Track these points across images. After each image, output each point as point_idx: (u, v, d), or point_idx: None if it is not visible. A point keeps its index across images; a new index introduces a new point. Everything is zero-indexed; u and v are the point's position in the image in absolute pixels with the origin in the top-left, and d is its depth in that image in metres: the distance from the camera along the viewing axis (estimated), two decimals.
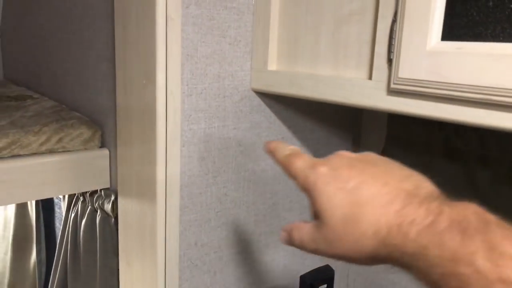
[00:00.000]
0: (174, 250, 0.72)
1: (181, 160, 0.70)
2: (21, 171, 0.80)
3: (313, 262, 0.96)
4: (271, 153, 0.47)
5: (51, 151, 0.84)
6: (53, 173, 0.83)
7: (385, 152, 0.84)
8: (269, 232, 0.86)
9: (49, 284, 1.14)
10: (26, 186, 0.80)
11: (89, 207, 0.95)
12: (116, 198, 0.84)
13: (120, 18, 0.72)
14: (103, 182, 0.89)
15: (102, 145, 0.91)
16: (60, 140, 0.85)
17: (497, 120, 0.47)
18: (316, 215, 0.40)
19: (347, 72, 0.62)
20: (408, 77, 0.52)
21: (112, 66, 0.78)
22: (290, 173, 0.43)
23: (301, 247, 0.41)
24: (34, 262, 1.39)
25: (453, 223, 0.31)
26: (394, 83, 0.54)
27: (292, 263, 0.92)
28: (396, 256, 0.34)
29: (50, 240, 1.40)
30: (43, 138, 0.82)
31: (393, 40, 0.54)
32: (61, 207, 1.17)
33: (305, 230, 0.40)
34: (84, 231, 0.97)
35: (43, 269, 1.38)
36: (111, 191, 0.89)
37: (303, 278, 0.95)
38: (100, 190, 0.91)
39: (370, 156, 0.42)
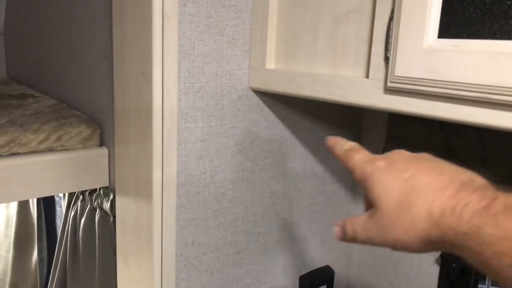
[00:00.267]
0: (170, 249, 0.71)
1: (178, 159, 0.70)
2: (20, 169, 0.80)
3: (313, 263, 0.96)
4: (331, 147, 0.48)
5: (50, 150, 0.84)
6: (52, 172, 0.83)
7: (385, 151, 0.83)
8: (267, 232, 0.85)
9: (49, 283, 1.14)
10: (25, 184, 0.80)
11: (88, 205, 0.95)
12: (115, 197, 0.84)
13: (118, 16, 0.72)
14: (102, 181, 0.89)
15: (102, 144, 0.91)
16: (59, 138, 0.85)
17: (494, 119, 0.46)
18: (370, 205, 0.41)
19: (345, 71, 0.62)
20: (405, 75, 0.51)
21: (111, 65, 0.78)
22: (348, 166, 0.44)
23: (354, 238, 0.42)
24: (36, 261, 1.40)
25: (508, 207, 0.32)
26: (390, 82, 0.53)
27: (291, 264, 0.91)
28: (449, 237, 0.34)
29: (51, 239, 1.40)
30: (42, 136, 0.82)
31: (390, 38, 0.53)
32: (62, 205, 1.17)
33: (357, 221, 0.42)
34: (83, 229, 0.97)
35: (45, 268, 1.38)
36: (110, 190, 0.89)
37: (302, 278, 0.95)
38: (99, 188, 0.91)
39: (426, 155, 0.43)
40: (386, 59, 0.54)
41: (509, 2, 0.43)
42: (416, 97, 0.52)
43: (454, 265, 0.80)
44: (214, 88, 0.71)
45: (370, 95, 0.57)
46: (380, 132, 0.92)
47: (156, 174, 0.67)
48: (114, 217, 0.86)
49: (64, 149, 0.86)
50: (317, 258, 0.97)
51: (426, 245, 0.37)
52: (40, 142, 0.82)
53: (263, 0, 0.70)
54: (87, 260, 0.97)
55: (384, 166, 0.40)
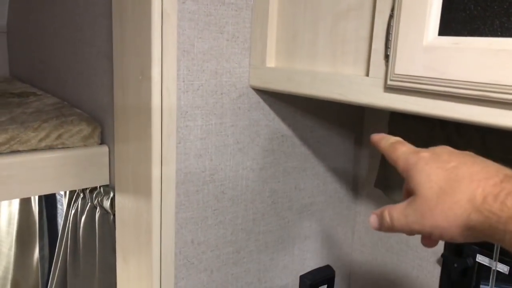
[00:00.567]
0: (169, 248, 0.71)
1: (177, 157, 0.69)
2: (21, 167, 0.80)
3: (313, 262, 0.95)
4: (377, 142, 0.49)
5: (50, 148, 0.84)
6: (53, 170, 0.83)
7: None
8: (267, 231, 0.85)
9: (49, 280, 1.14)
10: (25, 182, 0.81)
11: (89, 203, 0.95)
12: (115, 195, 0.84)
13: (117, 14, 0.72)
14: (102, 179, 0.89)
15: (102, 142, 0.91)
16: (59, 136, 0.85)
17: (495, 118, 0.45)
18: (409, 195, 0.41)
19: (345, 69, 0.61)
20: (404, 73, 0.51)
21: (112, 63, 0.78)
22: (392, 158, 0.45)
23: (391, 225, 0.42)
24: (37, 258, 1.40)
25: None
26: (390, 80, 0.52)
27: (291, 263, 0.91)
28: (491, 222, 0.34)
29: (53, 237, 1.40)
30: (42, 134, 0.82)
31: (390, 35, 0.52)
32: (63, 203, 1.18)
33: (395, 208, 0.42)
34: (83, 227, 0.97)
35: (46, 265, 1.39)
36: (110, 188, 0.89)
37: (303, 278, 0.94)
38: (100, 187, 0.91)
39: (469, 152, 0.43)
40: (386, 57, 0.54)
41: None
42: (416, 95, 0.51)
43: (455, 265, 0.80)
44: (213, 86, 0.71)
45: (370, 93, 0.56)
46: (381, 131, 0.91)
47: (155, 172, 0.67)
48: (114, 215, 0.86)
49: (65, 147, 0.86)
50: (318, 258, 0.96)
51: (465, 231, 0.37)
52: (41, 140, 0.82)
53: None
54: (87, 258, 0.97)
55: (428, 156, 0.41)
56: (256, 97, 0.77)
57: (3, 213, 1.56)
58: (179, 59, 0.66)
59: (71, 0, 1.02)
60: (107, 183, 0.90)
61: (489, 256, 0.76)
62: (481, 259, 0.77)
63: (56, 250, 1.11)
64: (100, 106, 0.92)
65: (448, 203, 0.37)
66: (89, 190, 0.94)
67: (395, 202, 0.84)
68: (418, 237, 0.44)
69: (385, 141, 0.47)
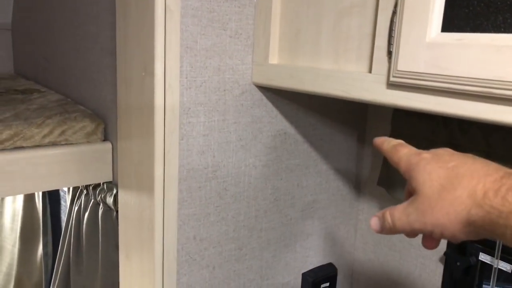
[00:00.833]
0: (172, 244, 0.71)
1: (180, 154, 0.69)
2: (24, 163, 0.80)
3: (316, 260, 0.95)
4: (379, 145, 0.49)
5: (54, 144, 0.84)
6: (56, 166, 0.83)
7: None
8: (270, 228, 0.85)
9: (53, 276, 1.15)
10: (29, 178, 0.81)
11: (92, 200, 0.96)
12: (118, 192, 0.84)
13: (121, 11, 0.72)
14: (105, 176, 0.90)
15: (105, 139, 0.91)
16: (63, 132, 0.85)
17: (498, 114, 0.45)
18: (412, 194, 0.41)
19: (348, 66, 0.61)
20: (407, 70, 0.50)
21: (115, 60, 0.78)
22: (394, 159, 0.45)
23: (392, 225, 0.42)
24: (41, 255, 1.41)
25: None
26: (393, 76, 0.52)
27: (294, 260, 0.91)
28: (491, 217, 0.34)
29: (56, 233, 1.41)
30: (46, 130, 0.83)
31: (393, 32, 0.52)
32: (66, 200, 1.18)
33: (397, 209, 0.42)
34: (87, 224, 0.97)
35: (50, 262, 1.39)
36: (113, 185, 0.89)
37: (305, 275, 0.94)
38: (103, 183, 0.91)
39: (470, 154, 0.43)
40: (389, 53, 0.53)
41: None
42: (419, 92, 0.51)
43: (458, 263, 0.79)
44: (216, 83, 0.71)
45: (373, 90, 0.56)
46: (384, 129, 0.91)
47: (158, 168, 0.67)
48: (117, 211, 0.86)
49: (68, 143, 0.86)
50: (320, 256, 0.96)
51: (466, 227, 0.37)
52: (44, 136, 0.83)
53: None
54: (90, 254, 0.97)
55: (430, 157, 0.41)
56: (259, 94, 0.77)
57: (7, 209, 1.57)
58: (182, 55, 0.66)
59: None
60: (110, 179, 0.90)
61: (492, 254, 0.75)
62: (484, 257, 0.77)
63: (60, 246, 1.11)
64: (103, 102, 0.92)
65: (448, 199, 0.37)
66: (92, 187, 0.94)
67: (397, 200, 0.84)
68: (420, 236, 0.44)
69: (387, 143, 0.48)
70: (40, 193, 1.38)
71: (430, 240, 0.44)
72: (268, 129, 0.80)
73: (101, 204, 0.92)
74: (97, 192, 0.92)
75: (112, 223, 0.90)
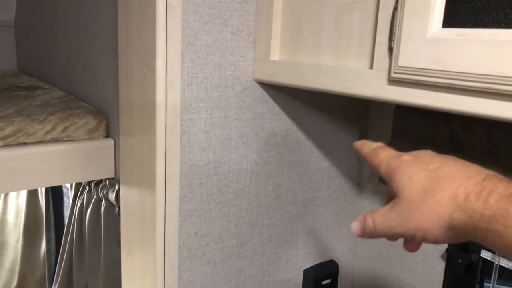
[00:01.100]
0: (173, 240, 0.71)
1: (181, 150, 0.70)
2: (27, 159, 0.81)
3: (317, 257, 0.96)
4: (359, 148, 0.49)
5: (56, 140, 0.85)
6: (58, 162, 0.84)
7: (391, 145, 0.82)
8: (271, 224, 0.85)
9: (56, 272, 1.15)
10: (31, 173, 0.81)
11: (95, 196, 0.96)
12: (120, 188, 0.85)
13: (122, 7, 0.72)
14: (107, 172, 0.90)
15: (108, 135, 0.92)
16: (65, 129, 0.85)
17: (499, 110, 0.45)
18: (392, 197, 0.41)
19: (349, 62, 0.61)
20: (408, 66, 0.50)
21: (117, 57, 0.79)
22: (374, 163, 0.45)
23: (374, 229, 0.42)
24: (44, 251, 1.42)
25: None
26: (394, 72, 0.52)
27: (295, 257, 0.91)
28: (473, 220, 0.34)
29: (59, 230, 1.42)
30: (48, 126, 0.83)
31: (394, 28, 0.52)
32: (69, 196, 1.19)
33: (378, 212, 0.42)
34: (89, 220, 0.98)
35: (53, 258, 1.40)
36: (115, 181, 0.89)
37: (306, 272, 0.95)
38: (105, 179, 0.92)
39: (451, 156, 0.43)
40: (390, 49, 0.53)
41: None
42: (420, 88, 0.51)
43: (459, 260, 0.79)
44: (218, 79, 0.71)
45: (374, 86, 0.56)
46: (386, 126, 0.91)
47: (159, 164, 0.68)
48: (119, 207, 0.86)
49: (71, 139, 0.86)
50: (322, 252, 0.96)
51: (448, 231, 0.36)
52: (47, 133, 0.83)
53: None
54: (92, 250, 0.98)
55: (410, 159, 0.41)
56: (260, 91, 0.77)
57: (11, 206, 1.58)
58: (183, 51, 0.66)
59: None
60: (112, 176, 0.91)
61: (494, 251, 0.75)
62: (485, 254, 0.77)
63: (62, 242, 1.12)
64: (105, 99, 0.93)
65: (430, 203, 0.37)
66: (95, 183, 0.95)
67: None
68: None
69: (367, 147, 0.48)
70: (43, 190, 1.39)
71: (411, 243, 0.44)
72: (269, 125, 0.80)
73: (103, 200, 0.93)
74: (100, 188, 0.93)
75: (114, 219, 0.90)
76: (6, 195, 1.60)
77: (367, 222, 0.42)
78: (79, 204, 1.03)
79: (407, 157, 0.42)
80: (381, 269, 1.00)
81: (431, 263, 0.89)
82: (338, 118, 0.91)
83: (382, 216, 0.41)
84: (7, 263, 1.59)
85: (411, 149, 0.81)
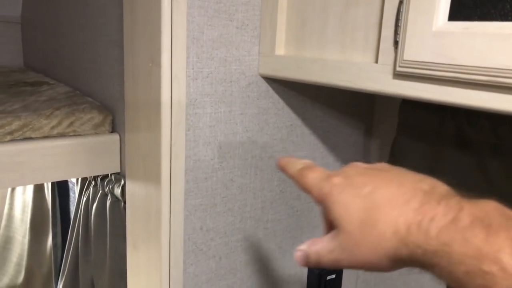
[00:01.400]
0: (178, 234, 0.72)
1: (186, 144, 0.70)
2: (33, 153, 0.81)
3: None
4: (283, 167, 0.47)
5: (62, 135, 0.85)
6: (64, 157, 0.85)
7: (397, 141, 0.82)
8: (276, 219, 0.85)
9: (62, 267, 1.16)
10: (38, 168, 0.82)
11: (100, 191, 0.97)
12: (126, 183, 0.85)
13: (128, 1, 0.72)
14: (113, 167, 0.91)
15: (113, 130, 0.92)
16: (71, 124, 0.86)
17: (505, 104, 0.45)
18: (331, 226, 0.39)
19: (354, 56, 0.61)
20: (413, 59, 0.50)
21: (123, 52, 0.79)
22: (304, 186, 0.43)
23: (318, 262, 0.40)
24: (50, 246, 1.43)
25: (476, 219, 0.31)
26: (399, 66, 0.52)
27: None
28: (418, 255, 0.33)
29: (65, 225, 1.43)
30: (54, 121, 0.84)
31: (400, 21, 0.52)
32: (75, 191, 1.19)
33: (320, 244, 0.40)
34: (95, 215, 0.98)
35: (59, 253, 1.41)
36: (121, 176, 0.90)
37: (311, 267, 0.95)
38: (111, 174, 0.92)
39: (383, 165, 0.42)
40: (395, 43, 0.53)
41: None
42: (425, 82, 0.51)
43: None
44: (223, 74, 0.71)
45: (379, 80, 0.56)
46: (391, 121, 0.91)
47: (165, 159, 0.68)
48: (125, 202, 0.87)
49: (76, 134, 0.87)
50: None
51: (396, 263, 0.35)
52: (53, 127, 0.84)
53: None
54: (98, 244, 0.98)
55: (341, 182, 0.39)
56: (265, 86, 0.77)
57: (18, 201, 1.59)
58: (188, 46, 0.66)
59: None
60: (118, 170, 0.91)
61: None
62: None
63: (68, 237, 1.13)
64: (111, 94, 0.93)
65: (373, 236, 0.35)
66: (101, 178, 0.95)
67: None
68: None
69: (292, 166, 0.45)
70: (50, 185, 1.40)
71: None
72: (274, 120, 0.80)
73: (109, 195, 0.93)
74: (105, 183, 0.93)
75: (120, 214, 0.91)
76: (12, 191, 1.62)
77: (310, 256, 0.40)
78: (85, 199, 1.03)
79: (337, 179, 0.39)
80: None
81: None
82: (343, 114, 0.91)
83: (325, 250, 0.39)
84: (14, 258, 1.60)
85: (416, 145, 0.81)
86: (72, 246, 1.09)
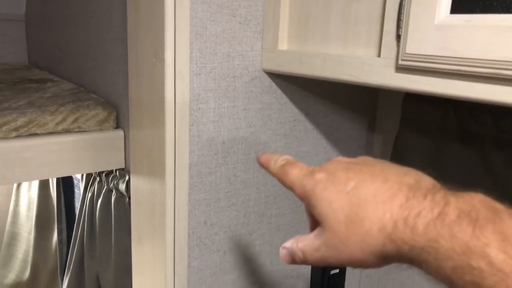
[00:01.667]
0: (183, 229, 0.72)
1: (190, 139, 0.70)
2: (38, 149, 0.82)
3: None
4: (264, 165, 0.46)
5: (67, 131, 0.86)
6: (69, 152, 0.85)
7: (400, 136, 0.82)
8: (280, 214, 0.86)
9: (67, 263, 1.17)
10: (43, 164, 0.83)
11: (105, 187, 0.97)
12: (130, 178, 0.86)
13: None
14: (118, 163, 0.91)
15: (118, 126, 0.93)
16: (75, 120, 0.86)
17: (507, 96, 0.45)
18: (314, 223, 0.39)
19: (357, 50, 0.61)
20: (416, 53, 0.50)
21: (127, 48, 0.79)
22: (286, 183, 0.42)
23: (304, 260, 0.39)
24: (56, 242, 1.44)
25: (462, 213, 0.30)
26: (402, 60, 0.52)
27: None
28: (405, 252, 0.32)
29: (71, 221, 1.44)
30: (59, 118, 0.84)
31: (402, 15, 0.52)
32: (80, 188, 1.20)
33: (306, 241, 0.39)
34: (100, 210, 0.99)
35: (64, 249, 1.42)
36: (125, 172, 0.91)
37: None
38: (116, 170, 0.93)
39: (366, 158, 0.41)
40: (398, 37, 0.53)
41: None
42: (428, 75, 0.51)
43: None
44: (226, 69, 0.72)
45: (382, 74, 0.56)
46: (394, 116, 0.91)
47: (169, 154, 0.68)
48: (130, 198, 0.87)
49: (81, 130, 0.88)
50: None
51: (383, 260, 0.35)
52: (58, 124, 0.84)
53: None
54: (103, 240, 0.99)
55: (324, 178, 0.38)
56: (268, 81, 0.77)
57: (23, 198, 1.60)
58: (191, 41, 0.67)
59: None
60: (123, 166, 0.92)
61: None
62: None
63: (73, 233, 1.13)
64: (115, 91, 0.94)
65: (359, 234, 0.35)
66: (105, 174, 0.96)
67: None
68: None
69: (273, 163, 0.45)
70: (55, 182, 1.41)
71: None
72: (277, 116, 0.80)
73: (113, 190, 0.94)
74: (110, 179, 0.94)
75: (125, 209, 0.92)
76: (18, 188, 1.63)
77: (296, 254, 0.39)
78: (89, 195, 1.04)
79: (320, 175, 0.38)
80: None
81: None
82: (346, 109, 0.91)
83: (311, 247, 0.38)
84: (20, 254, 1.62)
85: (419, 139, 0.81)
86: (77, 241, 1.10)
